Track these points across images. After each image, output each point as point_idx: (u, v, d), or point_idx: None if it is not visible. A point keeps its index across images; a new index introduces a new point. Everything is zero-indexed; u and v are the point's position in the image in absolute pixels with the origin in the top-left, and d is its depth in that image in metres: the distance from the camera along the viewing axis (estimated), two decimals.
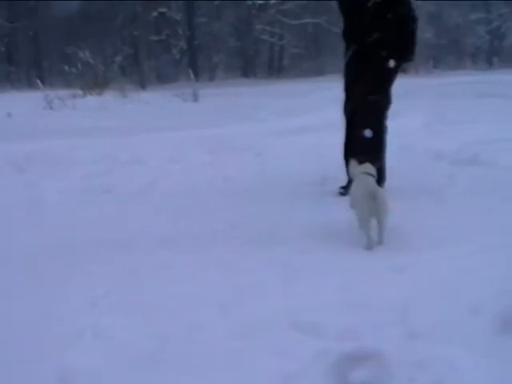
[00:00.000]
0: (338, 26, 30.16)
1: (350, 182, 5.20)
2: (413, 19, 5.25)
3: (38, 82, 19.35)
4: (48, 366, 2.32)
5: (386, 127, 5.37)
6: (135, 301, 2.96)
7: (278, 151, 7.35)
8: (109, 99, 16.84)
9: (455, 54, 40.28)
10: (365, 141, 5.18)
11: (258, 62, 37.64)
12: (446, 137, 7.83)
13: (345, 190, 5.22)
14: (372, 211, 3.77)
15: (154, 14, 32.77)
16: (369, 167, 4.30)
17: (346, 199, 5.04)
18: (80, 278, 3.34)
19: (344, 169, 5.20)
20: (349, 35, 5.53)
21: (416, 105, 11.66)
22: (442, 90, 16.59)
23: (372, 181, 4.12)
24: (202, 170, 6.41)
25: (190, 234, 4.14)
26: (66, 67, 20.68)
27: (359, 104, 5.27)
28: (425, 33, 33.66)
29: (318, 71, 32.38)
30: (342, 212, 4.70)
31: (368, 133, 5.18)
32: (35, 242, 4.10)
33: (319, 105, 13.24)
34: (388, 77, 5.28)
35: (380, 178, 5.24)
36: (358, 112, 5.28)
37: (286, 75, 33.39)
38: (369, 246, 3.71)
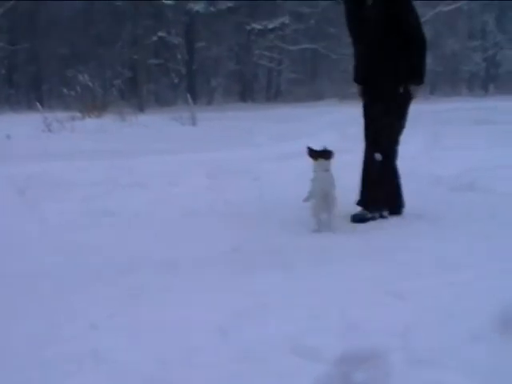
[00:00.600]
0: (335, 52, 30.28)
1: (363, 202, 5.27)
2: (421, 41, 5.25)
3: (38, 104, 19.43)
4: None
5: (396, 152, 5.36)
6: (136, 324, 2.95)
7: (275, 175, 7.38)
8: (108, 122, 16.90)
9: (451, 80, 40.58)
10: (375, 164, 5.22)
11: (256, 86, 37.89)
12: (444, 163, 7.88)
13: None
14: (323, 206, 4.76)
15: (154, 38, 33.01)
16: (325, 164, 4.99)
17: (345, 223, 5.11)
18: (80, 300, 3.34)
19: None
20: (359, 61, 5.52)
21: (414, 131, 11.70)
22: (439, 116, 16.68)
23: (328, 179, 4.90)
24: (202, 194, 6.43)
25: (190, 258, 4.15)
26: (66, 90, 20.77)
27: (373, 125, 5.29)
28: None
29: (316, 96, 32.56)
30: (341, 235, 4.75)
31: (378, 156, 5.22)
32: (35, 264, 4.11)
33: (316, 129, 13.29)
34: (402, 101, 5.26)
35: (393, 203, 5.29)
36: (371, 133, 5.29)
37: (284, 100, 33.57)
38: (315, 230, 4.70)
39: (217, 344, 2.71)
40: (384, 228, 4.97)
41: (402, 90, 5.21)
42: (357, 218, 5.22)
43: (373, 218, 5.21)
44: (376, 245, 4.46)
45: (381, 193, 5.25)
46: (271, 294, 3.34)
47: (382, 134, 5.22)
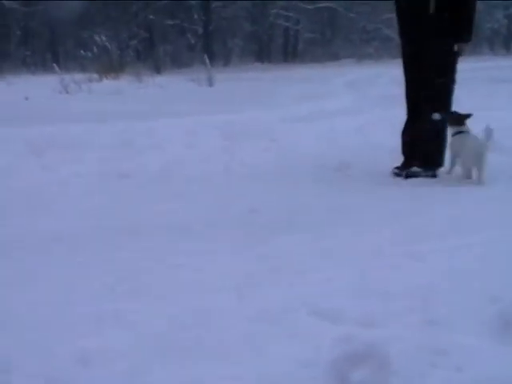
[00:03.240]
0: (352, 11, 29.93)
1: (405, 162, 5.34)
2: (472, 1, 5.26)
3: (55, 65, 19.37)
4: (67, 348, 2.33)
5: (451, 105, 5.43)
6: (151, 286, 2.97)
7: (294, 137, 7.33)
8: (124, 83, 16.84)
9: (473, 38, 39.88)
10: (432, 123, 5.21)
11: (273, 46, 37.50)
12: None
13: (399, 170, 5.38)
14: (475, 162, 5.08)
15: None
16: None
17: (363, 184, 5.09)
18: (95, 263, 3.36)
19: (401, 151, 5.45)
20: (405, 18, 5.51)
21: None
22: (459, 75, 16.44)
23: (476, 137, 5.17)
24: (218, 156, 6.40)
25: (206, 220, 4.16)
26: (82, 51, 20.70)
27: (426, 88, 5.31)
28: None
29: (333, 56, 32.21)
30: (360, 197, 4.72)
31: (437, 116, 5.22)
32: (52, 227, 4.13)
33: (334, 90, 13.18)
34: (450, 58, 5.29)
35: (436, 162, 5.32)
36: (425, 96, 5.32)
37: (301, 60, 33.23)
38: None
39: (231, 305, 2.71)
40: (401, 191, 4.93)
41: (456, 49, 5.26)
42: (410, 174, 5.30)
43: (426, 176, 5.30)
44: (392, 207, 4.43)
45: (437, 151, 5.40)
46: (288, 255, 3.34)
47: (439, 94, 5.29)
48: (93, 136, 7.26)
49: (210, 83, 17.41)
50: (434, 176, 5.37)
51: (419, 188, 4.98)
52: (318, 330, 2.40)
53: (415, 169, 5.35)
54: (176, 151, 6.67)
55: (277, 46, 37.93)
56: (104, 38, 21.75)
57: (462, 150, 5.18)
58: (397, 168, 5.45)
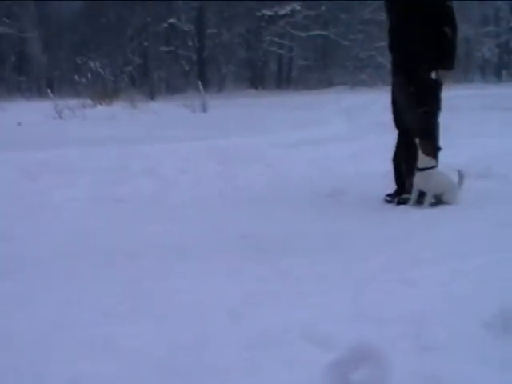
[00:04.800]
0: (346, 38, 30.24)
1: (397, 189, 5.27)
2: (452, 24, 5.16)
3: (49, 91, 19.45)
4: (60, 374, 2.32)
5: (436, 136, 5.35)
6: (147, 310, 2.95)
7: (287, 163, 7.36)
8: (118, 109, 16.92)
9: (464, 67, 40.29)
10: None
11: (267, 73, 37.77)
12: (455, 150, 7.81)
13: (391, 197, 5.38)
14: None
15: (164, 25, 32.96)
16: None
17: (357, 210, 5.10)
18: (91, 287, 3.34)
19: (393, 177, 5.46)
20: (391, 46, 5.50)
21: None
22: (451, 102, 16.54)
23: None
24: (212, 181, 6.42)
25: (200, 244, 4.16)
26: (76, 77, 20.79)
27: (408, 117, 5.29)
28: None
29: (327, 83, 32.46)
30: (353, 223, 4.73)
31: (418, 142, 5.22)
32: (46, 250, 4.12)
33: (328, 117, 13.27)
34: (433, 88, 5.23)
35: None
36: (410, 127, 5.29)
37: (295, 87, 33.46)
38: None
39: (228, 330, 2.70)
40: (396, 216, 4.94)
41: (434, 76, 5.19)
42: (401, 202, 5.27)
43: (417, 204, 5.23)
44: (386, 232, 4.44)
45: None
46: (282, 280, 3.34)
47: (422, 124, 5.20)
48: (86, 161, 7.28)
49: (204, 109, 17.51)
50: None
51: (412, 213, 5.00)
52: (313, 355, 2.39)
53: (406, 196, 5.32)
54: (170, 176, 6.68)
55: (271, 72, 38.23)
56: (98, 64, 21.86)
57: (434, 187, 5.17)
58: (388, 195, 5.45)
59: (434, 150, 5.18)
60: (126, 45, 32.57)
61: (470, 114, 13.05)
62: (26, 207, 5.39)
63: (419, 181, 5.17)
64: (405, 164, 5.37)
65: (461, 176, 5.30)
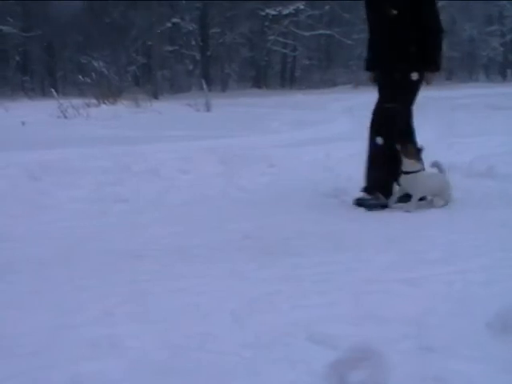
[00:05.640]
0: (349, 38, 30.22)
1: (365, 189, 5.22)
2: (437, 29, 5.17)
3: (53, 90, 19.47)
4: (62, 374, 2.32)
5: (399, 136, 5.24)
6: (149, 310, 2.95)
7: (290, 162, 7.34)
8: (122, 108, 16.91)
9: (468, 66, 40.25)
10: (377, 148, 5.18)
11: (270, 72, 37.74)
12: (459, 149, 7.81)
13: (360, 200, 5.24)
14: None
15: (168, 24, 32.95)
16: None
17: (359, 210, 5.09)
18: (93, 287, 3.34)
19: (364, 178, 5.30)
20: (373, 47, 5.47)
21: (428, 117, 11.62)
22: (455, 102, 16.55)
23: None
24: (215, 180, 6.41)
25: (202, 244, 4.15)
26: (80, 77, 20.79)
27: (375, 111, 5.26)
28: None
29: (330, 83, 32.43)
30: (355, 222, 4.73)
31: (379, 140, 5.17)
32: (48, 251, 4.11)
33: (330, 117, 13.25)
34: (410, 88, 5.19)
35: (389, 191, 5.22)
36: (373, 119, 5.26)
37: (298, 86, 33.44)
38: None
39: (230, 330, 2.70)
40: (397, 215, 4.93)
41: (415, 77, 5.13)
42: (358, 203, 5.17)
43: (375, 206, 5.13)
44: (389, 233, 4.44)
45: (381, 177, 5.22)
46: (284, 280, 3.33)
47: (383, 118, 5.16)
48: (90, 161, 7.26)
49: (208, 108, 17.50)
50: (385, 206, 5.17)
51: (415, 212, 4.99)
52: (316, 355, 2.38)
53: (363, 196, 5.22)
54: (173, 176, 6.67)
55: (274, 71, 38.19)
56: (102, 64, 21.88)
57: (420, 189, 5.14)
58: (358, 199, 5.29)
59: (415, 153, 5.10)
60: (130, 44, 32.58)
61: (474, 113, 13.02)
62: (29, 207, 5.38)
63: (405, 184, 5.12)
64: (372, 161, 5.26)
65: (438, 166, 5.23)
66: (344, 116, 13.44)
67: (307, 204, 5.35)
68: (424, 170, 5.20)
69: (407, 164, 5.09)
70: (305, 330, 2.61)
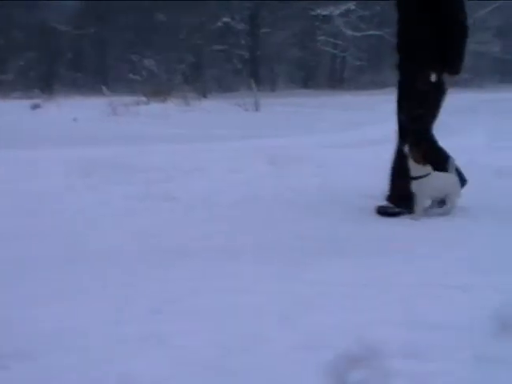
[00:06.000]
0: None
1: (389, 197, 5.11)
2: (461, 28, 4.88)
3: (104, 88, 19.74)
4: (113, 371, 2.34)
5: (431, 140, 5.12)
6: (197, 309, 2.95)
7: (339, 163, 7.30)
8: (171, 106, 17.09)
9: None
10: (402, 157, 5.04)
11: (320, 73, 37.62)
12: (507, 153, 7.65)
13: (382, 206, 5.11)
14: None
15: (219, 23, 33.12)
16: None
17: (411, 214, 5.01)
18: (142, 284, 3.37)
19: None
20: (399, 44, 5.27)
21: (478, 121, 11.48)
22: (507, 105, 16.23)
23: None
24: (264, 180, 6.42)
25: (252, 244, 4.15)
26: (131, 74, 21.05)
27: (404, 120, 5.08)
28: (492, 47, 33.06)
29: (380, 84, 32.14)
30: (407, 226, 4.67)
31: (406, 149, 5.01)
32: (99, 247, 4.17)
33: (380, 118, 13.12)
34: (433, 90, 4.94)
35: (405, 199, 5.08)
36: (403, 127, 5.07)
37: (348, 87, 33.26)
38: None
39: (279, 332, 2.68)
40: (448, 220, 4.85)
41: (434, 79, 4.90)
42: (381, 211, 5.04)
43: (400, 213, 4.97)
44: (440, 237, 4.37)
45: (406, 187, 4.96)
46: (334, 283, 3.30)
47: (412, 127, 4.97)
48: (139, 158, 7.35)
49: (256, 108, 17.55)
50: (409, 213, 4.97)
51: (470, 218, 4.87)
52: (364, 359, 2.35)
53: (386, 204, 5.06)
54: (221, 175, 6.71)
55: (323, 72, 38.05)
56: (152, 62, 22.11)
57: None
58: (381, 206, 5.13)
59: (424, 157, 4.87)
60: (180, 43, 32.83)
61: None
62: (80, 204, 5.46)
63: (415, 190, 4.92)
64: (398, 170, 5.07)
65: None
66: (393, 117, 13.29)
67: (356, 206, 5.30)
68: (433, 172, 4.94)
69: (415, 168, 4.89)
70: (354, 333, 2.58)
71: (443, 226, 4.69)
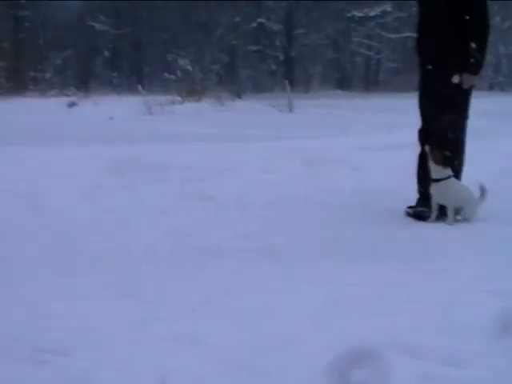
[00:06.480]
0: None
1: (420, 201, 5.06)
2: (485, 25, 4.80)
3: (139, 87, 19.90)
4: (149, 368, 2.35)
5: (464, 143, 5.05)
6: (233, 308, 2.96)
7: (374, 166, 7.23)
8: (206, 106, 17.16)
9: None
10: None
11: (354, 75, 37.47)
12: None
13: (412, 209, 5.07)
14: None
15: (254, 24, 33.18)
16: None
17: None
18: (176, 282, 3.39)
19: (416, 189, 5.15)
20: (417, 48, 5.28)
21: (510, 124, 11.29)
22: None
23: None
24: (297, 181, 6.40)
25: (285, 245, 4.16)
26: (166, 74, 21.19)
27: (434, 125, 4.99)
28: None
29: (415, 86, 31.86)
30: (442, 231, 4.62)
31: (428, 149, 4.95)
32: (135, 245, 4.21)
33: (415, 120, 13.01)
34: (456, 90, 4.84)
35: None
36: (434, 134, 4.96)
37: (382, 89, 33.05)
38: None
39: (313, 333, 2.67)
40: (485, 226, 4.77)
41: (457, 81, 4.81)
42: (416, 214, 4.98)
43: (426, 217, 4.90)
44: (477, 242, 4.30)
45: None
46: (368, 285, 3.28)
47: (445, 133, 4.86)
48: (174, 157, 7.38)
49: (290, 109, 17.55)
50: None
51: (504, 223, 4.81)
52: (400, 365, 2.33)
53: (420, 208, 4.98)
54: (256, 175, 6.69)
55: (358, 74, 37.89)
56: (187, 62, 22.23)
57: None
58: (410, 207, 5.09)
59: (444, 159, 4.77)
60: (215, 43, 32.97)
61: None
62: (115, 202, 5.50)
63: (436, 193, 4.82)
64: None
65: (483, 190, 4.86)
66: None
67: (389, 209, 5.27)
68: (453, 176, 4.85)
69: (435, 170, 4.80)
70: (389, 337, 2.56)
71: (476, 230, 4.63)
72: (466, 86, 4.85)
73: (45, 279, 3.46)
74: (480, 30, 4.80)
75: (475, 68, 4.84)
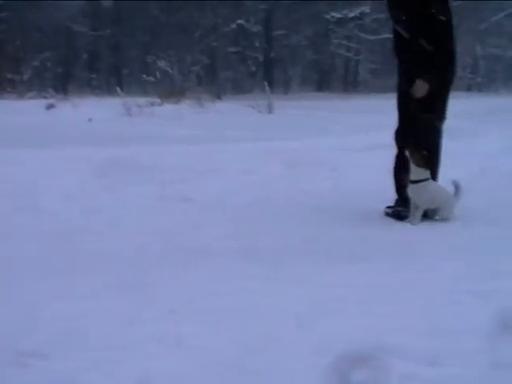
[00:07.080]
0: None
1: (398, 201, 5.11)
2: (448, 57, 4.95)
3: (118, 89, 19.82)
4: (132, 370, 2.35)
5: (440, 143, 5.12)
6: (215, 309, 2.97)
7: (353, 167, 7.26)
8: (185, 108, 17.11)
9: None
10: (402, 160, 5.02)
11: (334, 76, 37.59)
12: None
13: (391, 209, 5.13)
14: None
15: (233, 25, 33.18)
16: None
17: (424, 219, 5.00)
18: (159, 284, 3.38)
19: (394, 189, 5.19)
20: (395, 48, 5.39)
21: (498, 126, 11.38)
22: None
23: None
24: (277, 182, 6.40)
25: (268, 246, 4.17)
26: (145, 76, 21.12)
27: (412, 125, 5.06)
28: (507, 51, 32.88)
29: (394, 87, 32.04)
30: (420, 232, 4.66)
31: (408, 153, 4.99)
32: (115, 247, 4.19)
33: (393, 122, 13.08)
34: (437, 92, 4.94)
35: None
36: (412, 134, 5.03)
37: (361, 90, 33.20)
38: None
39: (296, 335, 2.69)
40: (464, 226, 4.82)
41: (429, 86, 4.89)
42: (395, 214, 5.04)
43: (404, 217, 4.97)
44: (456, 242, 4.34)
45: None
46: (350, 287, 3.30)
47: (424, 132, 4.96)
48: (153, 159, 7.36)
49: (270, 110, 17.56)
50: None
51: (485, 222, 4.85)
52: (383, 366, 2.34)
53: (399, 208, 5.04)
54: (235, 176, 6.69)
55: (337, 75, 38.01)
56: (167, 63, 22.17)
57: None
58: (389, 207, 5.15)
59: (425, 161, 4.85)
60: (194, 45, 32.91)
61: None
62: (96, 203, 5.48)
63: (413, 194, 4.88)
64: (405, 174, 5.02)
65: (457, 188, 4.96)
66: None
67: (368, 209, 5.30)
68: (430, 179, 4.93)
69: (416, 172, 4.85)
70: (373, 338, 2.57)
71: (454, 230, 4.68)
72: (417, 94, 4.94)
73: (32, 280, 3.44)
74: (441, 59, 4.93)
75: (450, 74, 5.00)
